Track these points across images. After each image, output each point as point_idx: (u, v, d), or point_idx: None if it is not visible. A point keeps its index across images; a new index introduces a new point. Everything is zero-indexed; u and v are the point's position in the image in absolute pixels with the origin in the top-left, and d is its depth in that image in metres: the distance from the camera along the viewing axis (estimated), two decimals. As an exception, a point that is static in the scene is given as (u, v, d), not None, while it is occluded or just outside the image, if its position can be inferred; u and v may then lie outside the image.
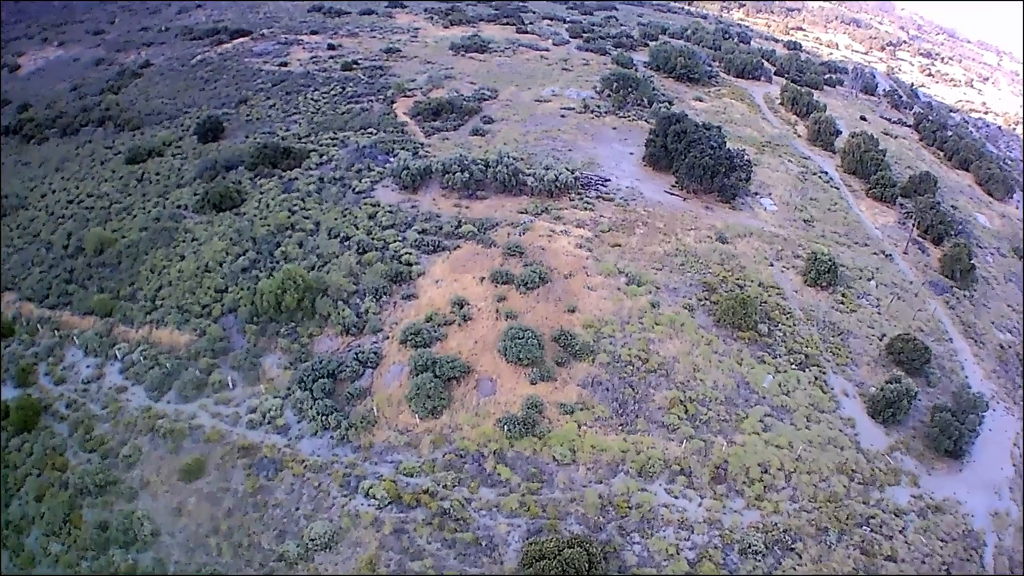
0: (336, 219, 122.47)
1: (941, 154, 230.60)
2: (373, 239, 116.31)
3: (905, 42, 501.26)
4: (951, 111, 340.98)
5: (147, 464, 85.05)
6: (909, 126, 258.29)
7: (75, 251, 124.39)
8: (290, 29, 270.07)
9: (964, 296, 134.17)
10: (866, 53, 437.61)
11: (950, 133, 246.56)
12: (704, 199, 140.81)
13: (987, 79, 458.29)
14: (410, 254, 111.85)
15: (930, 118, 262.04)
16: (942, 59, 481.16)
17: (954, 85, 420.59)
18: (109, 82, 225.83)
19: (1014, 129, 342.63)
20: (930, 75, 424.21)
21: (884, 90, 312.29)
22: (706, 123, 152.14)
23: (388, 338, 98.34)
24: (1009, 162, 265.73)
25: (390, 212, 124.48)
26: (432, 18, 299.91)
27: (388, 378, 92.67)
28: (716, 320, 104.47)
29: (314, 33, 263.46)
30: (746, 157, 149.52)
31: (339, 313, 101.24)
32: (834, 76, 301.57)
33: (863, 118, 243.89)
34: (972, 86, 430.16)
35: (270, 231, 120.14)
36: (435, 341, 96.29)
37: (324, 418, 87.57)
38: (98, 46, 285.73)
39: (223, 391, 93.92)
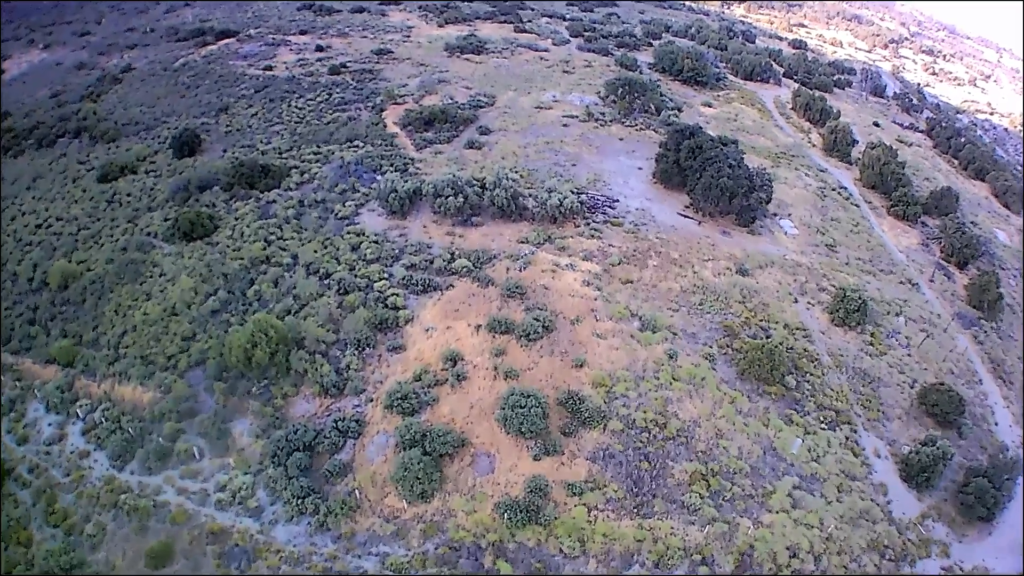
0: (316, 251, 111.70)
1: (956, 163, 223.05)
2: (356, 276, 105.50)
3: (907, 39, 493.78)
4: (958, 112, 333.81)
5: (112, 545, 76.72)
6: (921, 131, 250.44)
7: (40, 285, 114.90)
8: (278, 29, 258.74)
9: (992, 329, 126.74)
10: (869, 51, 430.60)
11: (963, 139, 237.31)
12: (721, 222, 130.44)
13: (989, 77, 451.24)
14: (397, 295, 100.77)
15: (943, 123, 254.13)
16: (944, 56, 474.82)
17: (958, 84, 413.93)
18: (89, 88, 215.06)
19: (1020, 131, 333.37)
20: (934, 74, 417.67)
21: (894, 92, 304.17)
22: (722, 137, 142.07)
23: (372, 401, 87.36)
24: (1017, 169, 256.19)
25: (375, 243, 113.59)
26: (426, 16, 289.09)
27: (372, 451, 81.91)
28: (740, 372, 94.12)
29: (303, 33, 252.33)
30: (767, 176, 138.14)
31: (317, 369, 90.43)
32: (842, 77, 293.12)
33: (876, 124, 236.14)
34: (975, 85, 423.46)
35: (243, 266, 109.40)
36: (425, 406, 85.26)
37: (300, 501, 77.37)
38: (83, 48, 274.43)
39: (189, 462, 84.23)
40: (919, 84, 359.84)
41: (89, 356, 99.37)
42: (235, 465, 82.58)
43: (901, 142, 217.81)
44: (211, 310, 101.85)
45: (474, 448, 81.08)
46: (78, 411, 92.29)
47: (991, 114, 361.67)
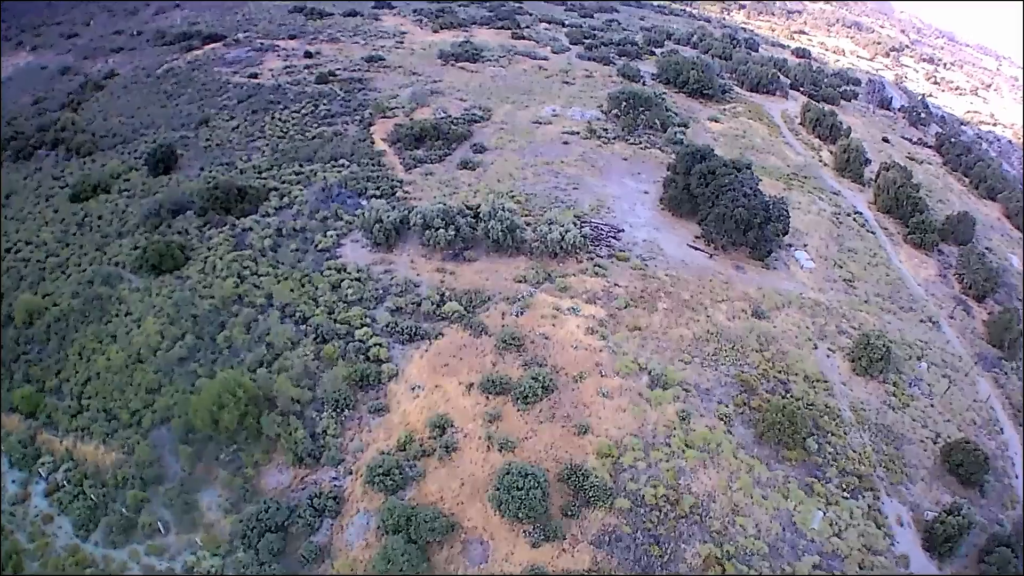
0: (292, 290, 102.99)
1: (967, 181, 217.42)
2: (335, 321, 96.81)
3: (907, 47, 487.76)
4: (962, 124, 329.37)
5: (81, 625, 69.41)
6: (931, 147, 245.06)
7: (5, 320, 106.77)
8: (267, 33, 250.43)
9: (1012, 370, 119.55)
10: (871, 59, 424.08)
11: (972, 156, 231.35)
12: (734, 256, 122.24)
13: (990, 86, 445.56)
14: (381, 346, 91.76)
15: (952, 139, 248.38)
16: (944, 64, 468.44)
17: (960, 93, 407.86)
18: (70, 96, 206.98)
19: (1022, 143, 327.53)
20: (936, 83, 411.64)
21: (901, 105, 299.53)
22: (736, 162, 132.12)
23: (351, 473, 78.60)
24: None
25: (358, 280, 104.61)
26: (421, 21, 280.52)
27: (351, 534, 73.23)
28: (758, 435, 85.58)
29: (292, 38, 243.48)
30: (783, 206, 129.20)
31: (290, 434, 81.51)
32: (848, 88, 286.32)
33: (886, 140, 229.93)
34: (977, 94, 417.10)
35: (214, 306, 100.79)
36: (410, 482, 76.23)
37: (274, 594, 68.57)
38: (69, 51, 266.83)
39: (155, 537, 76.67)
40: (923, 95, 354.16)
41: (52, 407, 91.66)
42: (203, 544, 74.83)
43: (912, 159, 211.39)
44: (178, 357, 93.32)
45: (465, 533, 72.17)
46: (40, 470, 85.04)
47: (994, 125, 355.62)
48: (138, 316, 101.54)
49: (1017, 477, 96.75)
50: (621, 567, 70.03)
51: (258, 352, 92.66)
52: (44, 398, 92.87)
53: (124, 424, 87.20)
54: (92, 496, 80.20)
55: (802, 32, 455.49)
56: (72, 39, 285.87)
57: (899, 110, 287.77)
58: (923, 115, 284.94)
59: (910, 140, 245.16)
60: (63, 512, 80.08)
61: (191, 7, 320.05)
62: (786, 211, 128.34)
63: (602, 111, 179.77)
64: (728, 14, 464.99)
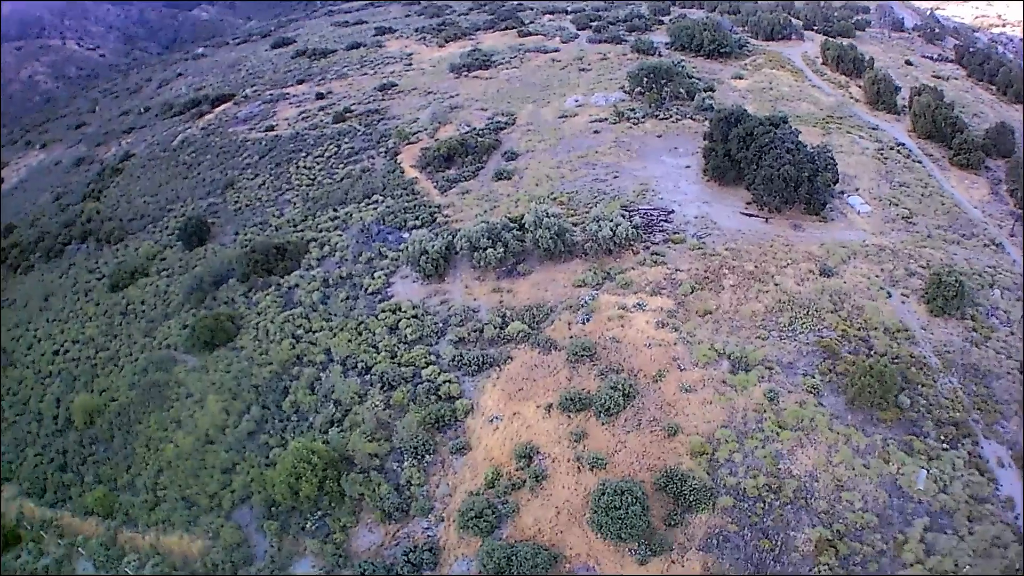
0: (350, 341, 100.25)
1: (994, 89, 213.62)
2: (400, 364, 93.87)
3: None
4: (974, 31, 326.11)
5: None
6: (951, 61, 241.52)
7: (65, 424, 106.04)
8: (274, 83, 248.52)
9: None
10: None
11: (993, 61, 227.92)
12: (789, 215, 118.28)
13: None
14: (450, 382, 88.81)
15: (970, 49, 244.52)
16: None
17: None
18: (90, 185, 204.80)
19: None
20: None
21: (915, 24, 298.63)
22: (772, 118, 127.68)
23: (443, 520, 75.75)
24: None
25: (415, 318, 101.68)
26: (424, 38, 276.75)
27: (454, 583, 70.38)
28: (849, 401, 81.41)
29: (300, 83, 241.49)
30: (828, 154, 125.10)
31: (374, 491, 78.95)
32: (860, 18, 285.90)
33: (908, 62, 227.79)
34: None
35: (274, 372, 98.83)
36: (504, 519, 73.04)
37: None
38: (79, 142, 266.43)
39: (255, 619, 73.80)
40: (931, 9, 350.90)
41: (128, 503, 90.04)
42: (305, 618, 72.14)
43: (938, 78, 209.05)
44: (247, 432, 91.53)
45: (569, 563, 69.04)
46: (127, 569, 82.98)
47: (1003, 26, 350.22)
48: (199, 396, 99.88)
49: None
50: (733, 568, 66.70)
51: (327, 412, 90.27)
52: (118, 496, 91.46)
53: (204, 509, 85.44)
54: (186, 589, 77.86)
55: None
56: (80, 128, 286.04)
57: (913, 29, 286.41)
58: (937, 30, 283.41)
59: (931, 58, 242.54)
60: (158, 608, 77.68)
61: (193, 69, 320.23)
62: (832, 158, 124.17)
63: (625, 91, 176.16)
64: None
